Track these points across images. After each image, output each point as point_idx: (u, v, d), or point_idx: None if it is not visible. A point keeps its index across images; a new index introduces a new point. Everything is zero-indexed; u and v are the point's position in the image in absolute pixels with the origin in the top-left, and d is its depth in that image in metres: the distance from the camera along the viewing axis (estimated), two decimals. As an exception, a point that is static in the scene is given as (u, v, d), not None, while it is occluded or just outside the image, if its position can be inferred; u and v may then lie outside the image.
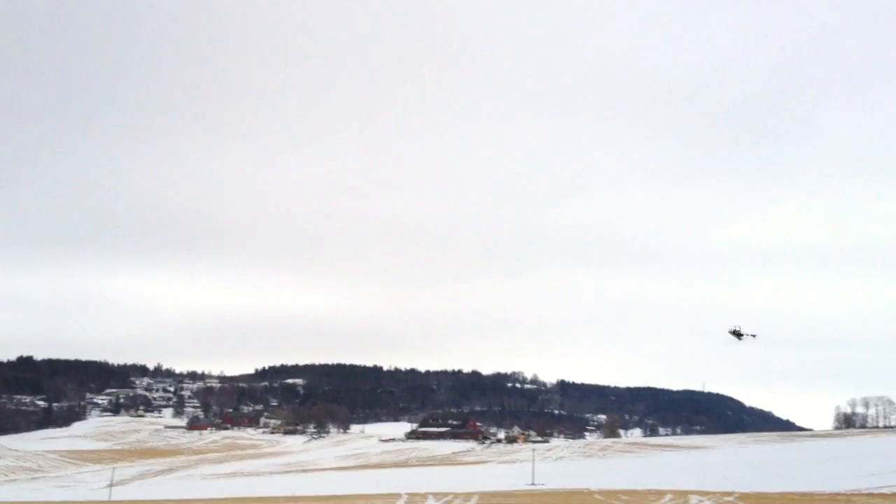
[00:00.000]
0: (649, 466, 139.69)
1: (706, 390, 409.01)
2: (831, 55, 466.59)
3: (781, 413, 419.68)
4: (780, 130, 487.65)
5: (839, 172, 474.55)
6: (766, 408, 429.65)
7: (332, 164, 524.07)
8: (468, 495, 50.63)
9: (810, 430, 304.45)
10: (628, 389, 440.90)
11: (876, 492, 64.93)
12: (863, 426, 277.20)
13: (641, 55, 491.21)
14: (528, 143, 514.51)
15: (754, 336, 63.04)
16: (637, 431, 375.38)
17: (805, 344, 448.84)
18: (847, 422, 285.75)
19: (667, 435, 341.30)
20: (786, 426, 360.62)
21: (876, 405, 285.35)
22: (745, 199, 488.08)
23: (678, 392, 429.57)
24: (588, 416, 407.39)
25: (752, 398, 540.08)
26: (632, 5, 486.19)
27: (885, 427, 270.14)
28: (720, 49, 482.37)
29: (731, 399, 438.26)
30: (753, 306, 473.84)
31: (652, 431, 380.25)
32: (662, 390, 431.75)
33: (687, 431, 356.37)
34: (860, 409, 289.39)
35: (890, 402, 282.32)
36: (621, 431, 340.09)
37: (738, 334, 63.08)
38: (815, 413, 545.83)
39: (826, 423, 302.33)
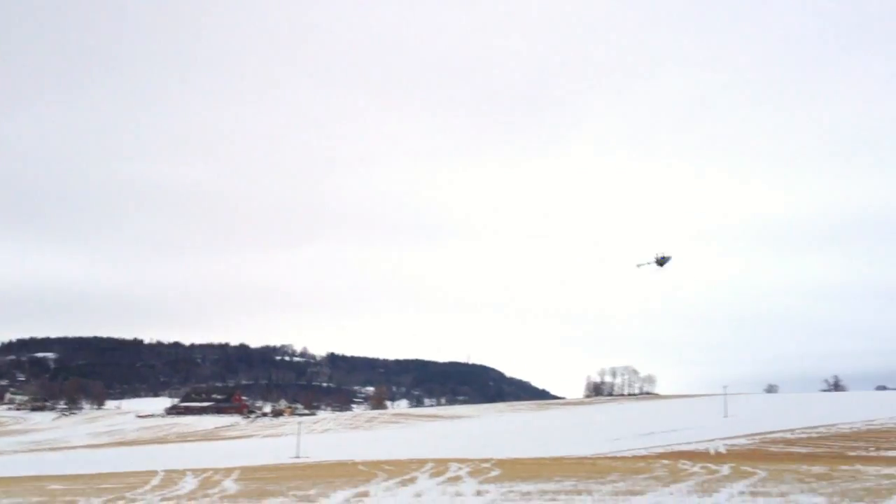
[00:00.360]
0: (414, 436, 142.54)
1: (471, 362, 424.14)
2: (592, 41, 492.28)
3: (538, 383, 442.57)
4: (548, 113, 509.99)
5: (602, 153, 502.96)
6: (524, 378, 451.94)
7: (82, 124, 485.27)
8: (229, 470, 48.97)
9: (563, 398, 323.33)
10: (397, 362, 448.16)
11: (618, 455, 69.56)
12: (610, 394, 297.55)
13: (419, 32, 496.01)
14: (304, 111, 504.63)
15: (670, 258, 62.78)
16: (404, 403, 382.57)
17: (562, 316, 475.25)
18: (596, 390, 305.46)
19: (432, 405, 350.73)
20: (542, 395, 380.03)
21: (622, 374, 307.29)
22: (513, 177, 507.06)
23: (444, 364, 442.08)
24: (357, 388, 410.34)
25: (512, 369, 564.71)
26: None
27: (629, 395, 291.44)
28: (492, 30, 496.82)
29: (493, 370, 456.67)
30: (515, 280, 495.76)
31: (418, 402, 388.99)
32: (430, 362, 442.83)
33: (451, 402, 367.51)
34: (608, 379, 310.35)
35: (634, 371, 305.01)
36: (388, 403, 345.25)
37: (661, 261, 62.32)
38: (569, 382, 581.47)
39: (578, 391, 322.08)
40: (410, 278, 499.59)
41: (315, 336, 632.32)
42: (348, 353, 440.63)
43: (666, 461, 52.08)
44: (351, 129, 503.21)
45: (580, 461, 55.11)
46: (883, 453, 58.04)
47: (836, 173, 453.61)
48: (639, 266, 63.21)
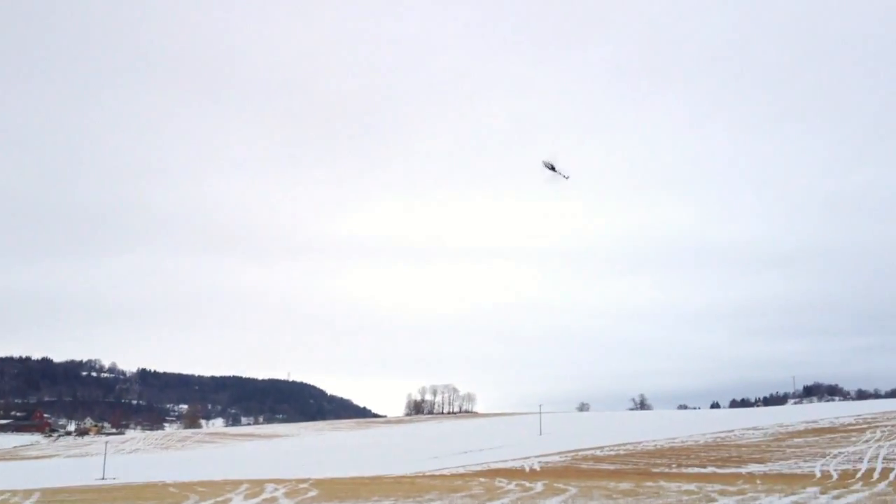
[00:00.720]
0: (229, 456, 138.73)
1: (291, 379, 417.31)
2: (427, 66, 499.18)
3: (360, 401, 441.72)
4: (377, 130, 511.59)
5: (432, 176, 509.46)
6: (346, 396, 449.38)
7: None
8: (28, 492, 45.60)
9: (384, 416, 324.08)
10: (213, 378, 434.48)
11: (437, 473, 70.11)
12: (430, 412, 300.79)
13: (256, 41, 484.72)
14: (125, 115, 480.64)
15: (567, 178, 61.75)
16: (219, 421, 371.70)
17: (386, 334, 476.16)
18: (417, 408, 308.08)
19: (249, 424, 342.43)
20: (363, 413, 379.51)
21: (442, 392, 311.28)
22: (345, 194, 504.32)
23: (263, 381, 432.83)
24: (169, 406, 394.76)
25: (333, 386, 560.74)
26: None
27: (450, 413, 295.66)
28: (321, 43, 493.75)
29: (314, 387, 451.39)
30: (337, 297, 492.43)
31: (235, 421, 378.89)
32: (248, 379, 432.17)
33: (269, 420, 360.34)
34: (429, 397, 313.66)
35: (455, 390, 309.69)
36: (203, 422, 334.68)
37: (552, 167, 61.44)
38: (390, 400, 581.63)
39: (399, 410, 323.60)
40: (229, 292, 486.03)
41: (125, 351, 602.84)
42: (161, 370, 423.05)
43: (483, 479, 52.94)
44: (175, 137, 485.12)
45: (399, 480, 55.13)
46: (684, 470, 61.39)
47: (649, 202, 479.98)
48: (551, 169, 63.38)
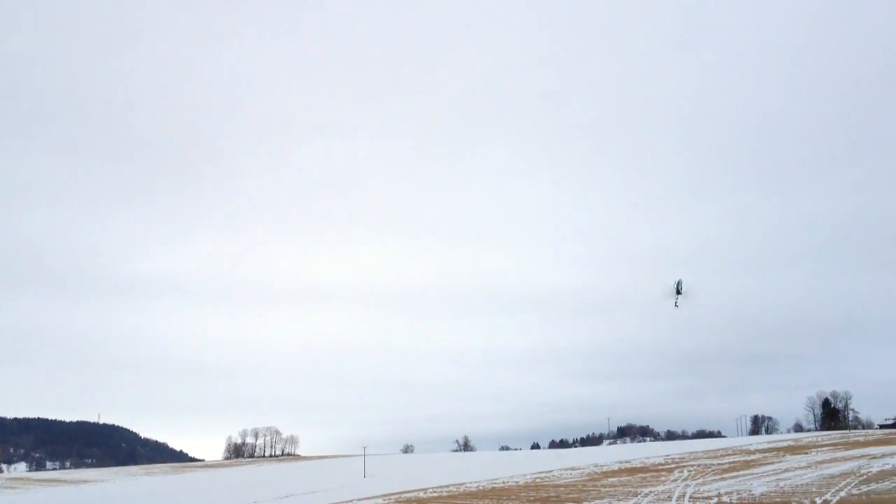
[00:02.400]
0: (33, 503, 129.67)
1: (101, 421, 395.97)
2: (251, 104, 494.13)
3: (176, 444, 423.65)
4: (197, 168, 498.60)
5: (249, 217, 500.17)
6: (161, 439, 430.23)
7: None
8: None
9: (202, 460, 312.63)
10: (15, 420, 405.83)
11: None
12: (251, 455, 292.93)
13: (61, 69, 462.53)
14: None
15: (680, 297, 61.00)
16: (22, 466, 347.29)
17: (203, 374, 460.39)
18: (237, 452, 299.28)
19: (55, 469, 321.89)
20: (180, 457, 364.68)
21: (264, 435, 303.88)
22: (159, 231, 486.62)
23: (71, 423, 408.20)
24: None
25: (148, 429, 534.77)
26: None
27: (271, 456, 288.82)
28: (140, 77, 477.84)
29: (126, 430, 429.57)
30: (163, 336, 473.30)
31: (39, 466, 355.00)
32: (54, 421, 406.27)
33: (78, 465, 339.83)
34: (250, 440, 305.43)
35: (277, 432, 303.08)
36: (4, 466, 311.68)
37: (678, 290, 59.86)
38: (209, 444, 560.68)
39: (218, 453, 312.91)
40: (33, 330, 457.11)
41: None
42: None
43: (305, 524, 51.93)
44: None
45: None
46: (504, 510, 62.46)
47: (470, 250, 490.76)
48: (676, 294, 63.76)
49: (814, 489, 61.42)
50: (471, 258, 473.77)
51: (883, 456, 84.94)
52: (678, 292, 65.32)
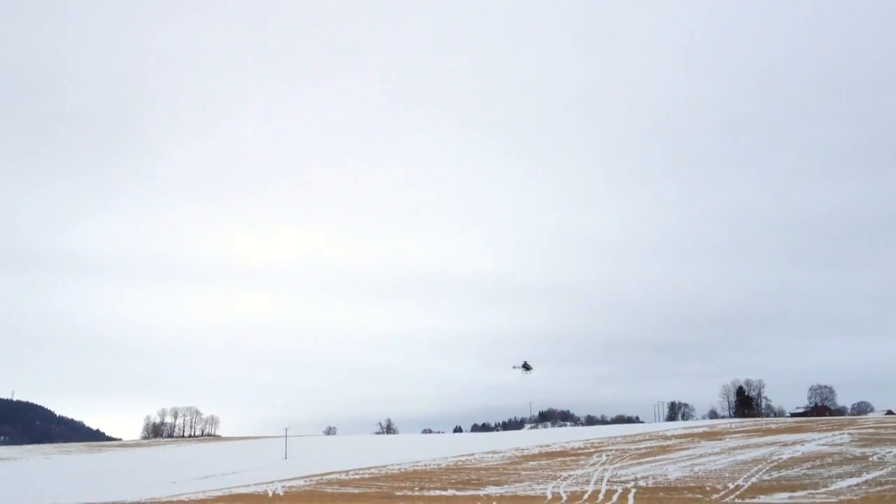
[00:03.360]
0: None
1: (14, 398, 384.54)
2: (173, 82, 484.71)
3: (92, 423, 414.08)
4: (118, 142, 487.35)
5: (168, 193, 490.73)
6: (77, 417, 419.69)
7: None
8: None
9: (119, 439, 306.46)
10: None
11: (175, 499, 67.28)
12: (170, 435, 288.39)
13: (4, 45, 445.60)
14: None
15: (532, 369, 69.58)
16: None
17: (122, 352, 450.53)
18: (156, 431, 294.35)
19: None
20: (96, 436, 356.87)
21: (184, 415, 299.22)
22: (75, 205, 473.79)
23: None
24: None
25: (63, 407, 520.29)
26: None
27: (191, 436, 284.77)
28: (70, 48, 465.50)
29: (41, 407, 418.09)
30: (80, 312, 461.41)
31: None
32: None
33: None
34: (169, 419, 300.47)
35: (197, 413, 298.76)
36: None
37: (527, 367, 66.30)
38: (127, 423, 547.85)
39: (136, 433, 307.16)
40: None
41: None
42: None
43: (224, 504, 51.44)
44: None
45: (134, 507, 52.44)
46: (426, 493, 62.77)
47: (392, 234, 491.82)
48: (514, 368, 73.97)
49: (727, 474, 63.30)
50: (394, 242, 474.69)
51: (794, 443, 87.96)
52: (526, 369, 74.61)
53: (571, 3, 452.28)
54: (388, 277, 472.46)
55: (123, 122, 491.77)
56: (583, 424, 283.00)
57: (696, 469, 68.48)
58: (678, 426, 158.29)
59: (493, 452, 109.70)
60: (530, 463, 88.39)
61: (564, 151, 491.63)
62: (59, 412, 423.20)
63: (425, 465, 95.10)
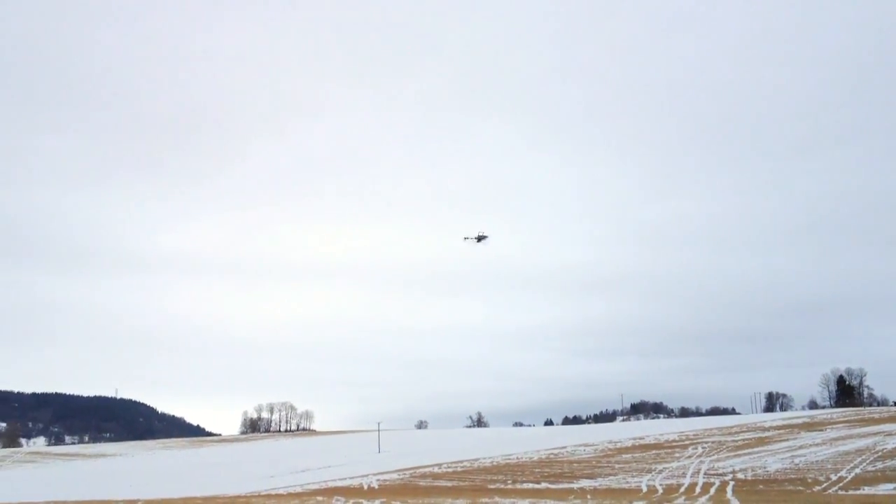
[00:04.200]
0: (52, 477, 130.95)
1: (119, 396, 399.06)
2: (257, 84, 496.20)
3: (192, 419, 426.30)
4: (205, 145, 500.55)
5: (256, 194, 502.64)
6: (178, 414, 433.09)
7: None
8: None
9: (218, 435, 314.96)
10: (34, 395, 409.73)
11: (273, 493, 68.72)
12: (267, 430, 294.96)
13: (73, 48, 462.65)
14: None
15: (487, 237, 66.45)
16: (41, 440, 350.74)
17: (219, 349, 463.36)
18: (253, 426, 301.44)
19: (74, 443, 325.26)
20: (196, 432, 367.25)
21: (279, 410, 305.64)
22: (171, 208, 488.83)
23: (89, 398, 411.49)
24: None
25: (164, 404, 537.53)
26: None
27: (287, 431, 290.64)
28: (150, 56, 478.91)
29: (143, 405, 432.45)
30: (177, 312, 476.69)
31: (58, 440, 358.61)
32: (72, 396, 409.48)
33: (96, 439, 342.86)
34: (265, 415, 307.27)
35: (292, 408, 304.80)
36: (23, 440, 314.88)
37: (480, 238, 64.52)
38: (225, 418, 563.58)
39: (234, 428, 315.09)
40: (51, 306, 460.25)
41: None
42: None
43: (320, 498, 52.29)
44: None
45: (233, 500, 53.74)
46: (518, 486, 62.67)
47: (476, 226, 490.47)
48: (465, 239, 69.10)
49: (829, 466, 61.37)
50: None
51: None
52: (479, 239, 69.91)
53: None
54: (474, 271, 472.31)
55: (208, 125, 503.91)
56: (676, 416, 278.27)
57: (796, 461, 66.63)
58: (776, 417, 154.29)
59: (586, 445, 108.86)
60: (624, 456, 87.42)
61: (651, 140, 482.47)
62: (160, 409, 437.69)
63: (517, 459, 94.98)
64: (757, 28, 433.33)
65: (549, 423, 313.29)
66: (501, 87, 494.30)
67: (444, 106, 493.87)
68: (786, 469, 61.36)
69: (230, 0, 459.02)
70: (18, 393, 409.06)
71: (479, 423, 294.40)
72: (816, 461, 65.29)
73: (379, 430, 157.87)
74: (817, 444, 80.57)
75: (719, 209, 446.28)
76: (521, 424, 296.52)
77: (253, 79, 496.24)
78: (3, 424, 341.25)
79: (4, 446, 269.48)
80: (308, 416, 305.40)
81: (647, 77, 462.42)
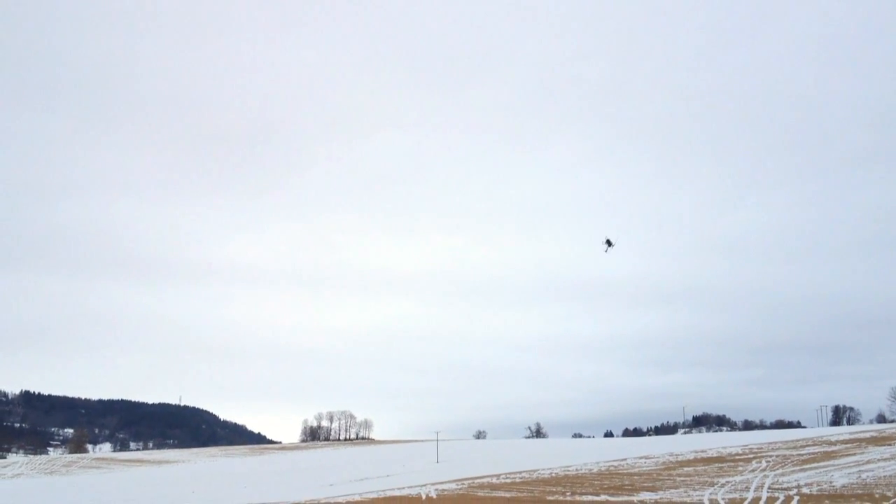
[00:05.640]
0: (117, 483, 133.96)
1: (182, 403, 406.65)
2: (320, 98, 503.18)
3: (254, 427, 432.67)
4: (269, 156, 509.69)
5: (318, 206, 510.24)
6: (239, 421, 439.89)
7: None
8: None
9: (279, 442, 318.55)
10: (100, 402, 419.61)
11: (332, 500, 69.31)
12: (326, 439, 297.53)
13: (144, 65, 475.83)
14: (13, 135, 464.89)
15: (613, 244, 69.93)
16: (107, 446, 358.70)
17: (279, 358, 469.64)
18: (313, 435, 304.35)
19: (138, 449, 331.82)
20: (257, 439, 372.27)
21: (339, 419, 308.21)
22: (235, 219, 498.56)
23: (154, 405, 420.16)
24: (54, 430, 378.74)
25: (226, 412, 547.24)
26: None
27: (346, 439, 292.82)
28: (216, 69, 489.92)
29: (206, 412, 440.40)
30: (240, 321, 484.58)
31: (123, 446, 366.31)
32: (138, 403, 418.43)
33: (160, 446, 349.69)
34: (325, 423, 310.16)
35: (351, 416, 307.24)
36: (89, 446, 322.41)
37: (609, 242, 66.97)
38: (286, 426, 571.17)
39: (294, 436, 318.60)
40: (118, 315, 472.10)
41: (7, 371, 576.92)
42: (45, 392, 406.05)
43: (380, 507, 52.59)
44: (53, 157, 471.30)
45: (294, 508, 54.34)
46: (578, 497, 62.20)
47: (536, 239, 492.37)
48: (608, 245, 71.61)
49: (898, 482, 59.76)
50: (539, 247, 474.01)
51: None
52: (609, 244, 70.39)
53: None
54: (532, 282, 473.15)
55: (272, 139, 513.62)
56: (740, 429, 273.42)
57: (863, 476, 64.95)
58: (843, 431, 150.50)
59: (646, 458, 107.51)
60: (685, 469, 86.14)
61: (704, 151, 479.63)
62: (223, 416, 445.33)
63: (576, 470, 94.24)
64: (825, 36, 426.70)
65: (608, 434, 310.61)
66: (558, 102, 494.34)
67: (506, 120, 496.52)
68: (853, 484, 59.87)
69: (296, 17, 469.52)
70: (86, 399, 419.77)
71: (538, 433, 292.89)
72: (884, 476, 63.57)
73: (437, 440, 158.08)
74: (885, 459, 78.39)
75: (778, 221, 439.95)
76: (580, 436, 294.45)
77: (317, 94, 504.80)
78: (71, 431, 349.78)
79: (71, 452, 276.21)
80: (367, 424, 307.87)
81: (712, 88, 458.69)
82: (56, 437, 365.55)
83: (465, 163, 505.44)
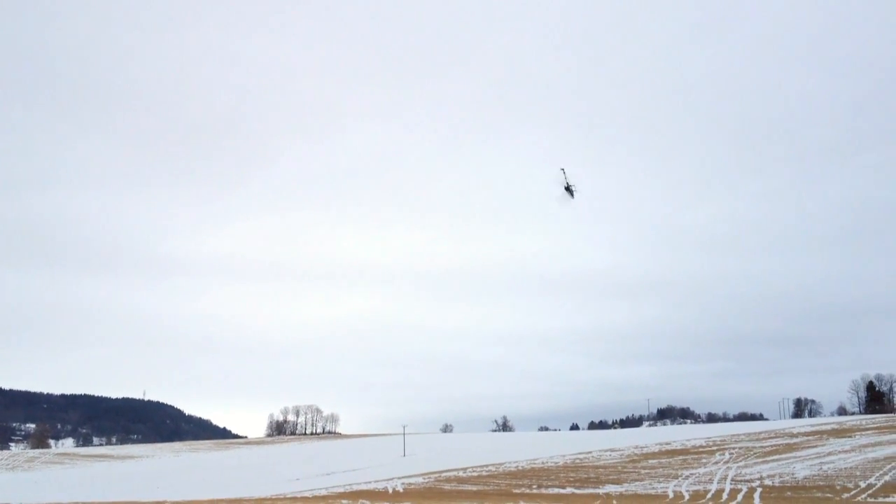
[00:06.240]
0: (81, 478, 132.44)
1: (146, 398, 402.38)
2: (290, 91, 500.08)
3: (219, 421, 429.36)
4: (237, 150, 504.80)
5: (287, 199, 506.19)
6: (205, 416, 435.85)
7: None
8: None
9: (245, 437, 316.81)
10: (63, 396, 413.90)
11: (298, 495, 69.01)
12: (293, 433, 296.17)
13: (108, 54, 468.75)
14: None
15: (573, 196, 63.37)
16: (69, 441, 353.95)
17: (245, 352, 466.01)
18: (279, 429, 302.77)
19: (102, 445, 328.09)
20: (223, 434, 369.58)
21: (305, 413, 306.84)
22: (201, 213, 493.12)
23: (117, 400, 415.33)
24: (15, 425, 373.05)
25: (191, 406, 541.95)
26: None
27: (312, 434, 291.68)
28: (185, 62, 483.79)
29: (170, 407, 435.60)
30: (205, 315, 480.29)
31: (86, 441, 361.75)
32: (100, 398, 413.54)
33: (123, 441, 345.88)
34: (291, 417, 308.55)
35: (318, 411, 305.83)
36: (52, 441, 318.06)
37: (569, 190, 62.10)
38: (251, 421, 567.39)
39: (260, 430, 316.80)
40: (80, 309, 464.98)
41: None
42: (6, 386, 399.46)
43: (346, 501, 52.49)
44: (20, 149, 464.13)
45: (259, 502, 54.02)
46: (544, 490, 62.55)
47: (501, 232, 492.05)
48: (568, 191, 64.59)
49: (857, 473, 60.71)
50: (505, 239, 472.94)
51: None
52: (570, 192, 65.36)
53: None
54: (500, 276, 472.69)
55: (241, 130, 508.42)
56: (703, 422, 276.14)
57: (825, 467, 65.97)
58: (805, 423, 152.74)
59: (612, 450, 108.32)
60: (650, 461, 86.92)
61: (675, 144, 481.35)
62: (187, 411, 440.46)
63: (543, 463, 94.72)
64: (785, 31, 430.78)
65: (574, 427, 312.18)
66: (529, 94, 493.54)
67: (475, 113, 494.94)
68: (814, 476, 60.78)
69: (263, 7, 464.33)
70: (47, 394, 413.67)
71: (505, 427, 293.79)
72: (845, 468, 64.61)
73: (404, 434, 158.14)
74: (846, 451, 79.68)
75: (747, 214, 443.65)
76: (546, 429, 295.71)
77: (287, 84, 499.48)
78: (32, 426, 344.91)
79: (33, 447, 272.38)
80: (334, 419, 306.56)
81: (673, 82, 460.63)
82: (18, 433, 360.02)
83: (434, 156, 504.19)
